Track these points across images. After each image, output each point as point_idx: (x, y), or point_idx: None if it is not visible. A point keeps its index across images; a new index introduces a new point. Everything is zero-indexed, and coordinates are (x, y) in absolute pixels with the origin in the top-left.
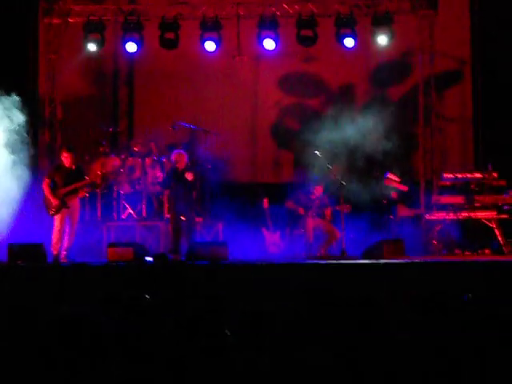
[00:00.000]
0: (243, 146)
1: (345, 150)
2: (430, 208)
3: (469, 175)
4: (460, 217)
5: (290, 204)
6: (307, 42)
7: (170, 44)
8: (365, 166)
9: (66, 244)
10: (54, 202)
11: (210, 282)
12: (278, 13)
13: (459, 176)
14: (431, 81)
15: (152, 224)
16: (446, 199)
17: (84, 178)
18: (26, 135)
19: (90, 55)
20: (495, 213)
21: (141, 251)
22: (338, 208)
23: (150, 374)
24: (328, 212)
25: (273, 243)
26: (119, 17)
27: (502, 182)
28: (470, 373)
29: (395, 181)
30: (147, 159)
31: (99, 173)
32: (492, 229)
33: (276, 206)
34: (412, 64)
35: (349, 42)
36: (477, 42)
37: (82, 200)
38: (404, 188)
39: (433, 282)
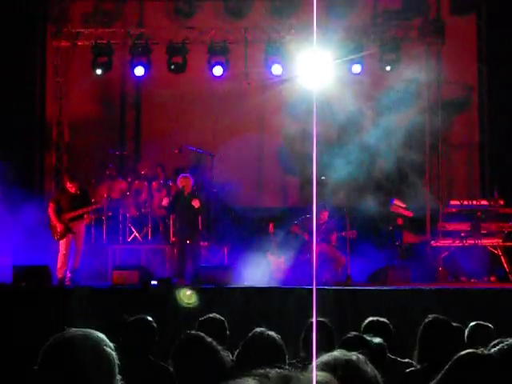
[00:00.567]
0: (249, 170)
1: (351, 175)
2: (435, 235)
3: (475, 202)
4: (466, 244)
5: (295, 229)
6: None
7: (177, 68)
8: (371, 192)
9: (71, 267)
10: (59, 227)
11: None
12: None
13: (465, 203)
14: (438, 108)
15: (157, 247)
16: (452, 226)
17: (90, 203)
18: None
19: (98, 78)
20: (501, 240)
21: (146, 275)
22: (343, 234)
23: None
24: (333, 237)
25: (278, 268)
26: (127, 40)
27: (509, 210)
28: None
29: (401, 207)
30: (154, 183)
31: (105, 196)
32: (498, 256)
33: (281, 231)
34: (419, 90)
35: (356, 68)
36: (483, 69)
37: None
38: (410, 214)
39: (438, 309)
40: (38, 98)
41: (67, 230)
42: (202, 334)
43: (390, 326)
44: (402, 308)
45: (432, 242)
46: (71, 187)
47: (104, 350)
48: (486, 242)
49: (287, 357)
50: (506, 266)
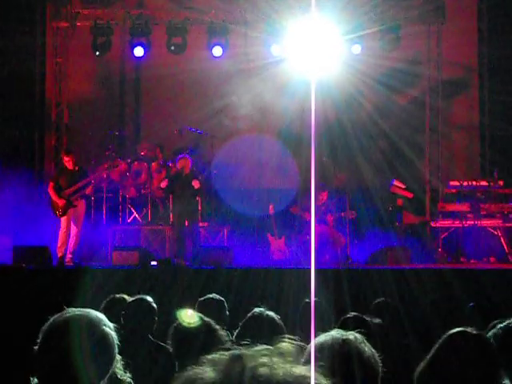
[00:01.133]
0: (249, 151)
1: (351, 156)
2: (435, 215)
3: (475, 183)
4: (466, 225)
5: (295, 210)
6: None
7: (177, 48)
8: (371, 172)
9: (71, 247)
10: (60, 202)
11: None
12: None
13: (465, 184)
14: (438, 88)
15: (157, 228)
16: (452, 207)
17: (88, 176)
18: None
19: (98, 59)
20: (501, 221)
21: (146, 255)
22: (343, 214)
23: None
24: (331, 218)
25: (278, 249)
26: (127, 21)
27: (508, 191)
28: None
29: (401, 188)
30: (153, 164)
31: (104, 174)
32: (498, 237)
33: (281, 212)
34: (419, 71)
35: (356, 49)
36: (484, 50)
37: (88, 204)
38: (410, 195)
39: (438, 289)
40: (38, 79)
41: (69, 205)
42: (200, 314)
43: (369, 321)
44: (401, 289)
45: (432, 223)
46: (68, 161)
47: (103, 330)
48: (485, 222)
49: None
50: (505, 246)
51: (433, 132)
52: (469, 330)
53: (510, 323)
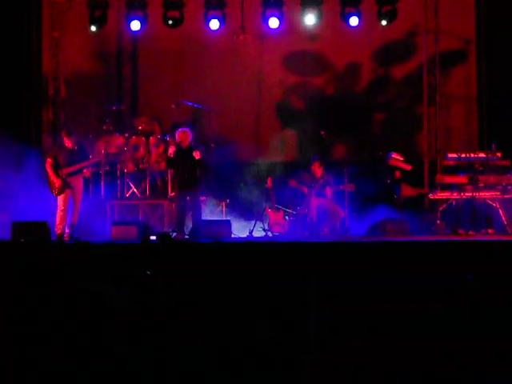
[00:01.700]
0: (247, 124)
1: (349, 129)
2: (433, 188)
3: (473, 155)
4: (464, 196)
5: (293, 183)
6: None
7: (174, 22)
8: (369, 145)
9: (69, 223)
10: (57, 182)
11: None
12: None
13: (463, 156)
14: (436, 60)
15: (156, 203)
16: (450, 179)
17: (87, 157)
18: None
19: (94, 33)
20: (499, 192)
21: (144, 230)
22: (341, 187)
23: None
24: (329, 191)
25: (276, 222)
26: None
27: (506, 162)
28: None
29: (399, 160)
30: (151, 138)
31: (102, 151)
32: (496, 209)
33: (279, 185)
34: (416, 43)
35: (353, 21)
36: (482, 21)
37: (86, 179)
38: (408, 167)
39: (436, 261)
40: (35, 53)
41: (65, 186)
42: None
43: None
44: (399, 261)
45: (430, 195)
46: (68, 142)
47: (105, 304)
48: (484, 194)
49: None
50: (503, 218)
51: (430, 104)
52: None
53: None
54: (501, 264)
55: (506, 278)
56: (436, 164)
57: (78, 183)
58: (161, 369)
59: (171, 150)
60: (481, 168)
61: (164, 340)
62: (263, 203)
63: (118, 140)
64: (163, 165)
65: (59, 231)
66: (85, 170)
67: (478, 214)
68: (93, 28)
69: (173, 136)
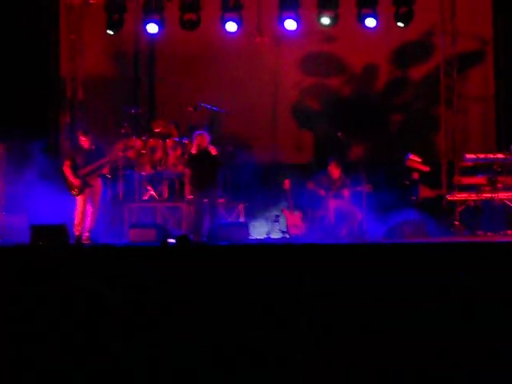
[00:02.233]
0: (264, 126)
1: (366, 130)
2: (451, 189)
3: (491, 156)
4: (482, 198)
5: (311, 185)
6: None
7: (190, 25)
8: (386, 146)
9: (88, 225)
10: (76, 182)
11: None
12: None
13: (481, 156)
14: (453, 61)
15: (173, 205)
16: (468, 180)
17: (105, 156)
18: None
19: (111, 36)
20: None
21: (163, 232)
22: (359, 189)
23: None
24: (346, 193)
25: (294, 224)
26: None
27: None
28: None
29: (417, 161)
30: (168, 140)
31: (121, 154)
32: None
33: (297, 187)
34: (434, 44)
35: (370, 22)
36: (499, 22)
37: (104, 181)
38: (426, 169)
39: (454, 263)
40: (52, 56)
41: (85, 185)
42: None
43: None
44: (418, 263)
45: (448, 196)
46: (85, 141)
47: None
48: (502, 195)
49: None
50: None
51: (448, 105)
52: None
53: None
54: None
55: None
56: (454, 165)
57: (97, 184)
58: (154, 366)
59: (194, 149)
60: (499, 169)
61: (157, 337)
62: (281, 205)
63: (136, 143)
64: (180, 167)
65: (78, 232)
66: (102, 168)
67: (497, 215)
68: (110, 31)
69: (190, 139)
